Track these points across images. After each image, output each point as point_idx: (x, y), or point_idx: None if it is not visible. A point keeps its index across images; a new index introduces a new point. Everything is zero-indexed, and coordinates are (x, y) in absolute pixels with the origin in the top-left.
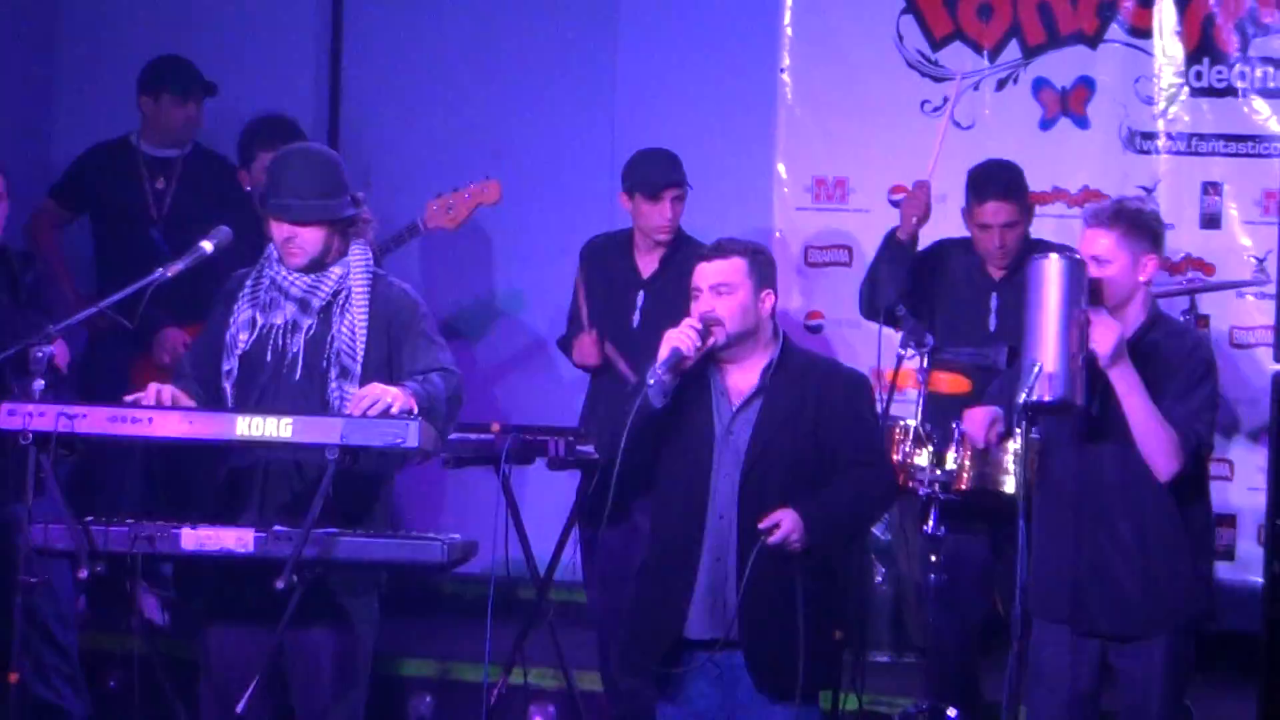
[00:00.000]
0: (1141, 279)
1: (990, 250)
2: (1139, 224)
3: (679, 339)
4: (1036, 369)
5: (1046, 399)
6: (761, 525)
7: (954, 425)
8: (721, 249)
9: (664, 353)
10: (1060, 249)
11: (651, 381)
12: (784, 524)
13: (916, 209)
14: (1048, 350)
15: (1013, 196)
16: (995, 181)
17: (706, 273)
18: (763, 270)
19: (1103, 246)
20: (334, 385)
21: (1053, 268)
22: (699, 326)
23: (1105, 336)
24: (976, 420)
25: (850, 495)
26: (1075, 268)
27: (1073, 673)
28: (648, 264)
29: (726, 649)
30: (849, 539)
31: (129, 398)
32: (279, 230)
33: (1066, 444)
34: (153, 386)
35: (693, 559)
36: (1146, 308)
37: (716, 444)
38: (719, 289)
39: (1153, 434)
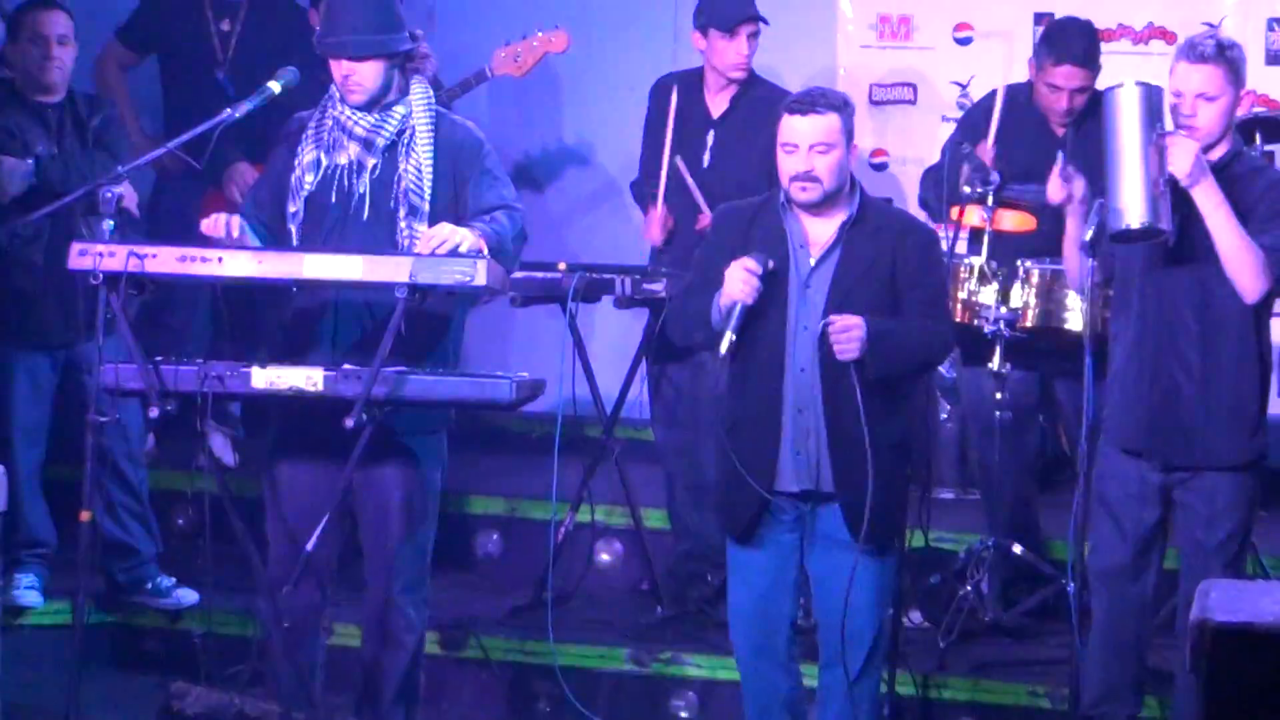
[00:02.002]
0: (1240, 113)
1: (1056, 110)
2: (1239, 61)
3: (742, 293)
4: (1099, 206)
5: (1134, 226)
6: (829, 319)
7: (1019, 262)
8: (817, 105)
9: (726, 302)
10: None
11: (723, 351)
12: (849, 319)
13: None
14: (1130, 177)
15: (1089, 62)
16: (1074, 45)
17: (803, 130)
18: (850, 125)
19: (1212, 82)
20: (403, 224)
21: (1128, 95)
22: (758, 271)
23: (1183, 156)
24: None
25: (915, 335)
26: (1150, 94)
27: (1139, 504)
28: (718, 104)
29: (809, 498)
30: (900, 371)
31: (204, 223)
32: (337, 68)
33: (1142, 273)
34: (220, 215)
35: (776, 413)
36: (1232, 141)
37: (793, 297)
38: (818, 147)
39: (1239, 250)
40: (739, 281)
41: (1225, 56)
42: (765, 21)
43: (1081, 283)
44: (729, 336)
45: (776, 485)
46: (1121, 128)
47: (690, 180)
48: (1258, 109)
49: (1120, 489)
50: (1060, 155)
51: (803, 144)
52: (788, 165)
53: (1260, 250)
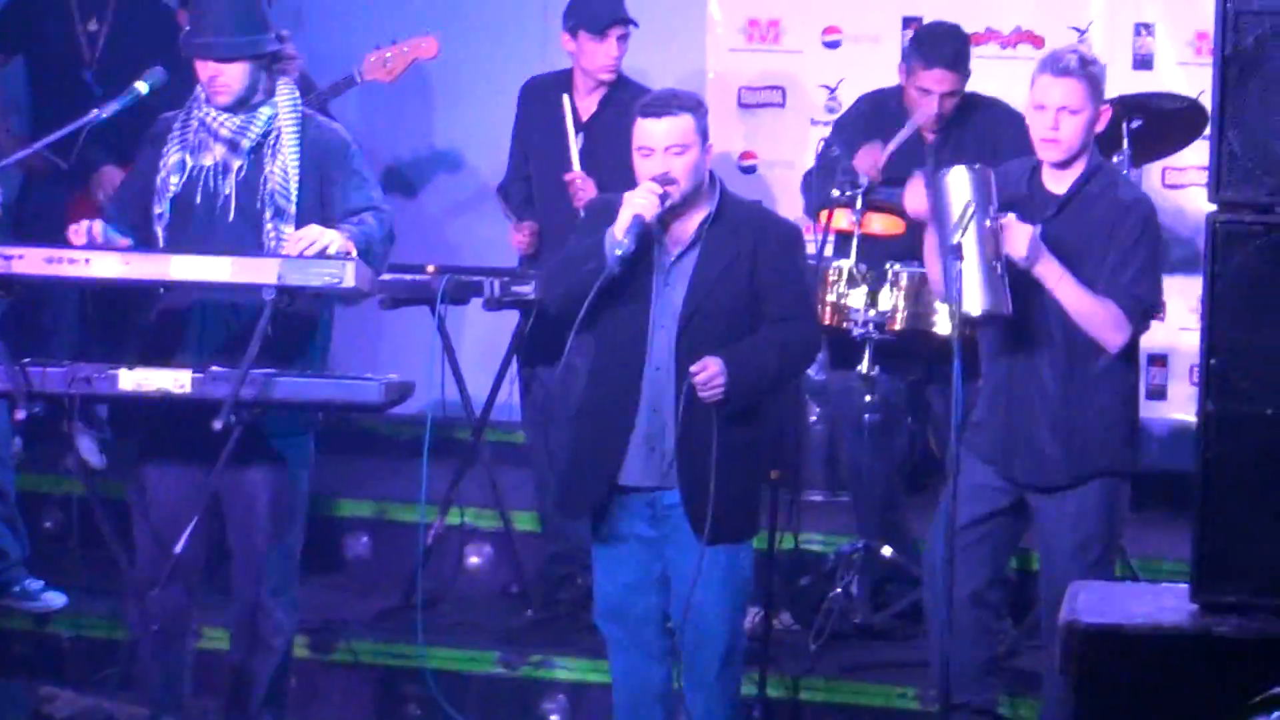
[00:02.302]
0: (1098, 129)
1: (926, 115)
2: (1099, 75)
3: (640, 205)
4: (970, 209)
5: (975, 314)
6: (691, 370)
7: (888, 265)
8: (670, 106)
9: (626, 219)
10: (984, 104)
11: (618, 253)
12: (709, 366)
13: (868, 168)
14: (969, 265)
15: (959, 66)
16: (943, 48)
17: (658, 132)
18: (705, 124)
19: (1075, 95)
20: (269, 226)
21: (958, 180)
22: (659, 190)
23: (1018, 239)
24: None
25: (776, 348)
26: (980, 177)
27: (990, 495)
28: (587, 106)
29: (660, 492)
30: (770, 390)
31: (70, 229)
32: (203, 69)
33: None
34: (83, 222)
35: (630, 407)
36: (1090, 157)
37: (654, 294)
38: (674, 149)
39: (1092, 315)
40: (641, 194)
41: (1088, 71)
42: (635, 24)
43: (947, 288)
44: (625, 242)
45: (621, 478)
46: (954, 213)
47: (571, 126)
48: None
49: (974, 481)
50: (919, 171)
51: (658, 147)
52: (644, 168)
53: (1112, 305)
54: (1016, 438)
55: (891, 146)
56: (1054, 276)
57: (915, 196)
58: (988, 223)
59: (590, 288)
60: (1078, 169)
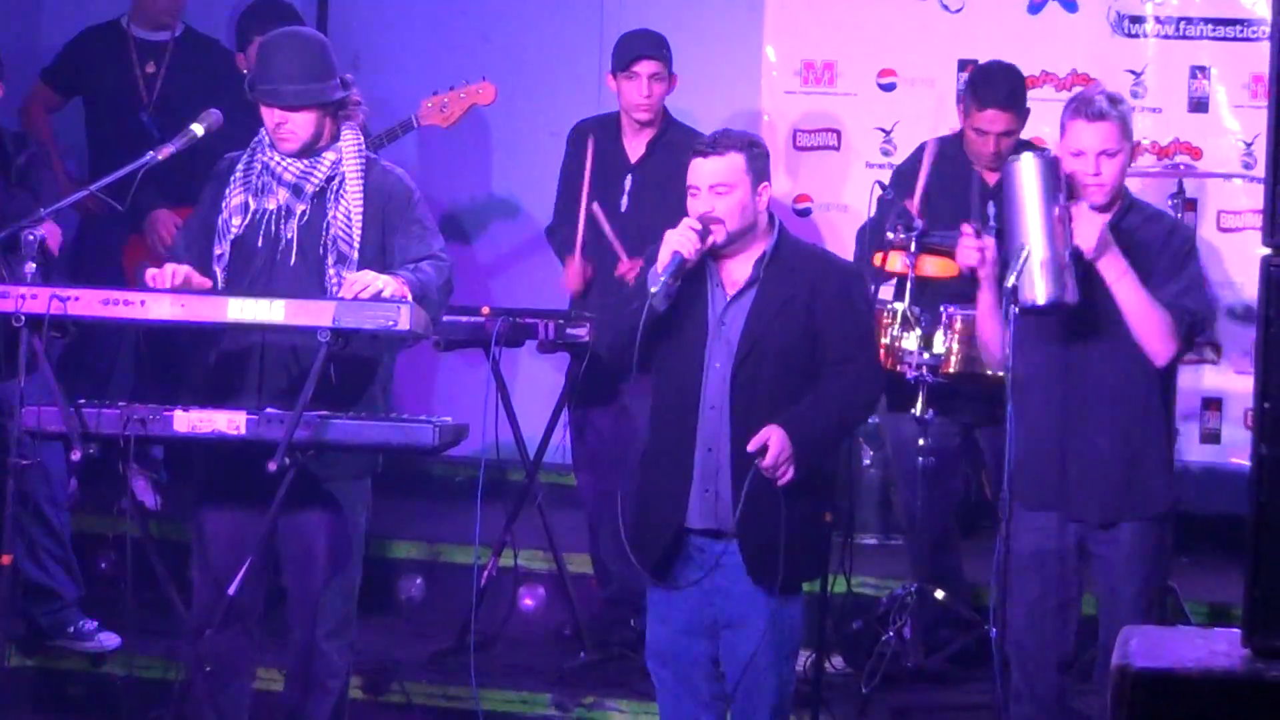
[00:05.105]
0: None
1: (983, 154)
2: (1128, 113)
3: (680, 243)
4: (1025, 253)
5: (1040, 302)
6: (750, 448)
7: (942, 308)
8: (718, 145)
9: (665, 257)
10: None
11: (654, 289)
12: (772, 446)
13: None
14: (1035, 252)
15: (1014, 105)
16: (998, 89)
17: (704, 171)
18: (759, 164)
19: (1111, 137)
20: (331, 271)
21: (1028, 167)
22: (699, 228)
23: (1089, 229)
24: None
25: (835, 402)
26: (1050, 165)
27: (1055, 558)
28: (635, 147)
29: (717, 539)
30: (837, 446)
31: (149, 274)
32: (270, 116)
33: (1054, 339)
34: (168, 266)
35: (688, 450)
36: (1122, 194)
37: (709, 334)
38: (718, 189)
39: (1146, 317)
40: (680, 232)
41: (1119, 111)
42: (666, 61)
43: (1002, 345)
44: (663, 281)
45: (686, 522)
46: (1024, 200)
47: (607, 226)
48: (1180, 156)
49: (1034, 544)
50: (967, 223)
51: (703, 185)
52: (691, 207)
53: (1166, 313)
54: (1078, 475)
55: (919, 191)
56: (1118, 271)
57: (966, 252)
58: (1055, 211)
59: (636, 328)
60: (1116, 204)
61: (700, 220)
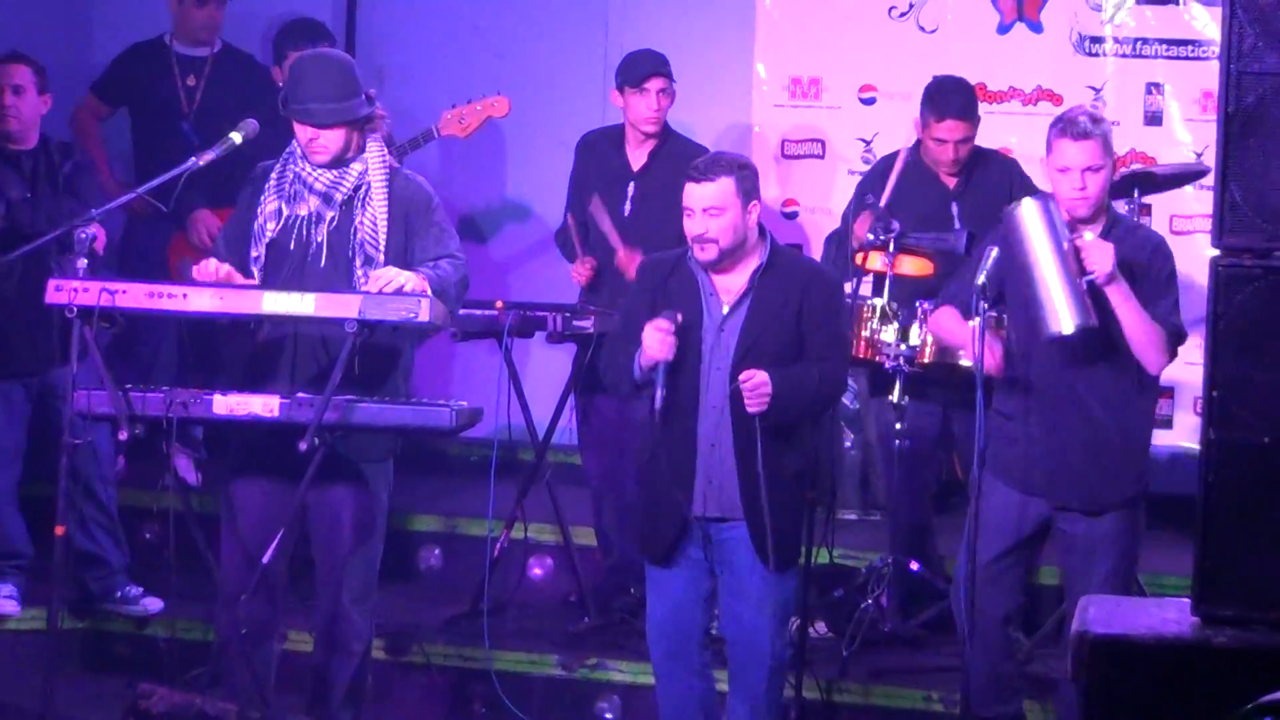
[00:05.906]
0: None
1: (943, 161)
2: (1109, 131)
3: (658, 350)
4: (993, 253)
5: (1067, 332)
6: (741, 378)
7: (918, 304)
8: (709, 171)
9: (648, 365)
10: (992, 154)
11: (658, 406)
12: (759, 376)
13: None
14: (1055, 287)
15: (968, 115)
16: (953, 101)
17: (697, 195)
18: (749, 184)
19: (1094, 154)
20: (359, 272)
21: (1030, 210)
22: (668, 327)
23: (1103, 258)
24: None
25: (814, 376)
26: (1049, 204)
27: (1017, 525)
28: (638, 157)
29: (719, 522)
30: (798, 416)
31: (195, 268)
32: (303, 132)
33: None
34: (209, 261)
35: (691, 448)
36: (1106, 208)
37: (707, 341)
38: (710, 211)
39: (1146, 335)
40: (655, 342)
41: (1101, 129)
42: (671, 79)
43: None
44: (660, 393)
45: (692, 512)
46: (1033, 241)
47: (607, 220)
48: (1136, 165)
49: (1001, 508)
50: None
51: (697, 208)
52: (687, 227)
53: (1161, 329)
54: (1056, 460)
55: (886, 196)
56: (1124, 293)
57: (992, 361)
58: (1065, 245)
59: (634, 388)
60: (1101, 220)
61: (667, 320)
